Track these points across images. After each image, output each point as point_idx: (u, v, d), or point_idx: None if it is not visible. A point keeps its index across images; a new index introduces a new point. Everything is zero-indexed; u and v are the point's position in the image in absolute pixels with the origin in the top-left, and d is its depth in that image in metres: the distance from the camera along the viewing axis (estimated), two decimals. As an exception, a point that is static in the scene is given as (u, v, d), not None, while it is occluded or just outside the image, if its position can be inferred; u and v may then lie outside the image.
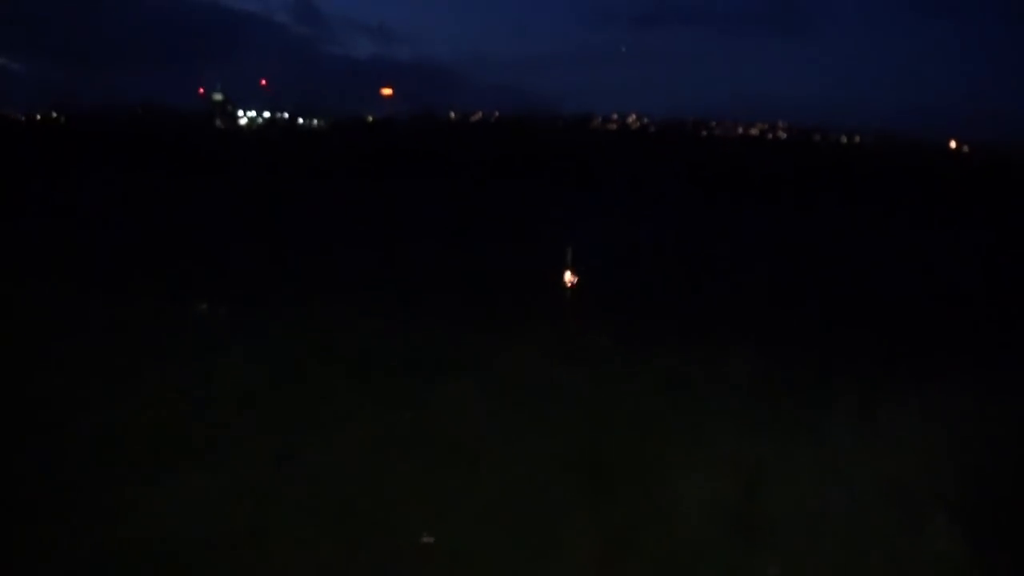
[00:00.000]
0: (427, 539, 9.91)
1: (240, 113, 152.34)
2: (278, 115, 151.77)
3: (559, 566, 9.52)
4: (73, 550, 9.31)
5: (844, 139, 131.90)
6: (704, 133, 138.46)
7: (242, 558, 9.39)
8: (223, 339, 18.31)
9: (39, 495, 10.50)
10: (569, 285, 19.63)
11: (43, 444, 12.04)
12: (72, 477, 11.13)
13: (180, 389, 14.62)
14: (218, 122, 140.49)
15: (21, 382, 14.65)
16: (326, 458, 12.06)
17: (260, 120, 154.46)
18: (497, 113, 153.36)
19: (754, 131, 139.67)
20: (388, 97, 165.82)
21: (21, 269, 25.23)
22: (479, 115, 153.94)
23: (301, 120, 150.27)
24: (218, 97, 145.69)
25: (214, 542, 9.67)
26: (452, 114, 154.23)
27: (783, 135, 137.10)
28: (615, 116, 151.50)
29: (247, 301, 21.78)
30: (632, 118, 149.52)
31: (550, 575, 9.59)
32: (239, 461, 11.72)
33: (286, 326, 19.40)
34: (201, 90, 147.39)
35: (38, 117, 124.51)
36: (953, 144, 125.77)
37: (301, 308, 21.23)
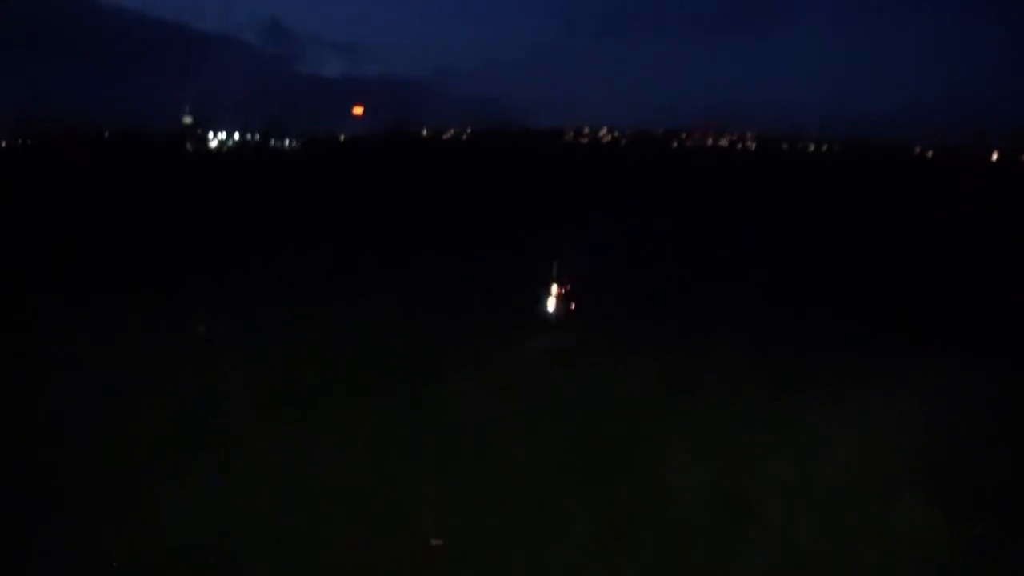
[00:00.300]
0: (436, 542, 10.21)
1: (210, 135, 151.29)
2: (248, 137, 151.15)
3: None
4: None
5: (812, 147, 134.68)
6: (674, 144, 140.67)
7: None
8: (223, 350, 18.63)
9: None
10: (558, 296, 20.07)
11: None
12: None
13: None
14: (188, 145, 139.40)
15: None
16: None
17: (231, 142, 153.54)
18: (469, 129, 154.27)
19: (723, 142, 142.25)
20: (359, 115, 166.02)
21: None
22: (451, 132, 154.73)
23: (272, 141, 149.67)
24: (188, 120, 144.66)
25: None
26: (424, 131, 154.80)
27: (752, 145, 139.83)
28: (586, 130, 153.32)
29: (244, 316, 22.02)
30: (603, 131, 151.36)
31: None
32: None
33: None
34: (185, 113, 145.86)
35: (3, 144, 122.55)
36: (917, 150, 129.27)
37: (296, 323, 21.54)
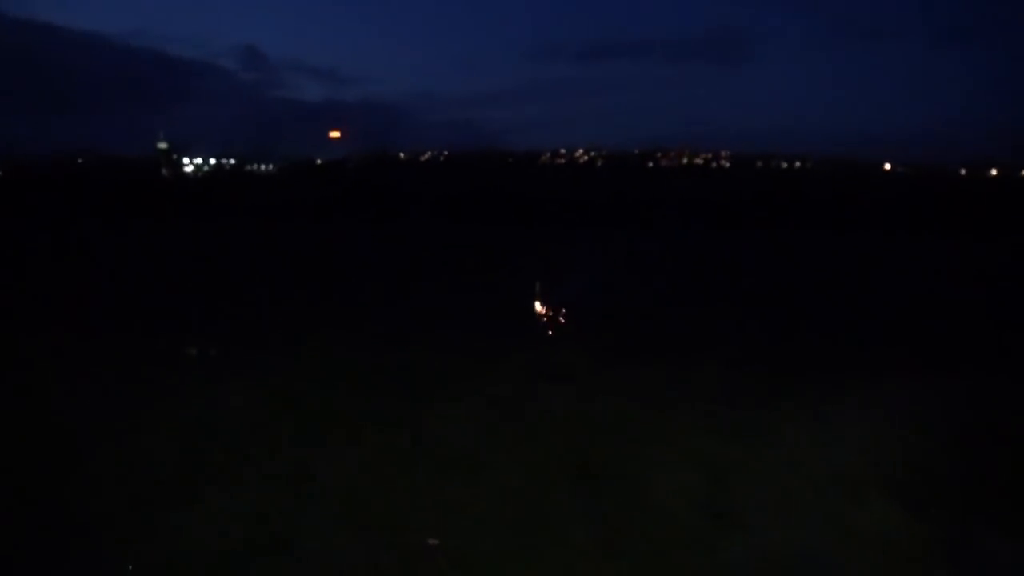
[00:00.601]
0: (432, 542, 10.43)
1: (186, 160, 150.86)
2: (224, 161, 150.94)
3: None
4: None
5: (785, 164, 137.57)
6: (650, 164, 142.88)
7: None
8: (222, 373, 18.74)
9: None
10: (543, 315, 20.41)
11: None
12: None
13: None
14: (164, 171, 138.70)
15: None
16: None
17: (207, 167, 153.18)
18: (447, 152, 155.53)
19: (699, 160, 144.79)
20: (337, 139, 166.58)
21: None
22: (428, 154, 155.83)
23: (249, 166, 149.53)
24: (163, 145, 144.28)
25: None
26: (402, 154, 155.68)
27: (726, 164, 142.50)
28: (563, 151, 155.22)
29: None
30: (580, 152, 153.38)
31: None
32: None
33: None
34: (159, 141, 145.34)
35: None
36: (888, 166, 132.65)
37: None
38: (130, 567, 9.71)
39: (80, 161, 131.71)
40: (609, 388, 17.88)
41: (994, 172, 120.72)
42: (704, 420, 15.40)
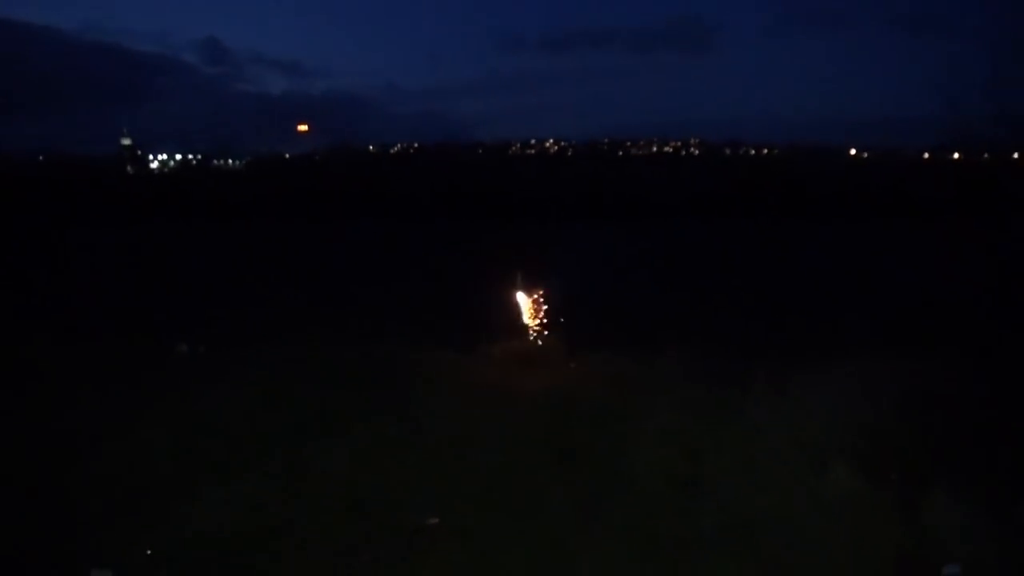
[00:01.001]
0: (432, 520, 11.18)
1: (151, 157, 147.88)
2: (191, 157, 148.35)
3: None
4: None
5: (752, 151, 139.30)
6: (620, 153, 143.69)
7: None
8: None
9: None
10: (528, 308, 20.98)
11: None
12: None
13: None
14: (129, 168, 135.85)
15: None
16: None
17: (172, 163, 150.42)
18: (416, 144, 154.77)
19: (668, 149, 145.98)
20: (305, 133, 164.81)
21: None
22: (398, 147, 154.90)
23: (216, 161, 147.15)
24: (126, 142, 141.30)
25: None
26: (371, 146, 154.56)
27: (696, 151, 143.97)
28: (533, 141, 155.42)
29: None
30: (550, 142, 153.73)
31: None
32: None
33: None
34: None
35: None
36: (853, 151, 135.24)
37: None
38: (148, 551, 10.25)
39: (41, 159, 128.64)
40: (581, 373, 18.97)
41: (956, 156, 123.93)
42: (675, 400, 16.41)
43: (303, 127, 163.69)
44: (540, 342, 20.96)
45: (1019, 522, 10.88)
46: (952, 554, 10.01)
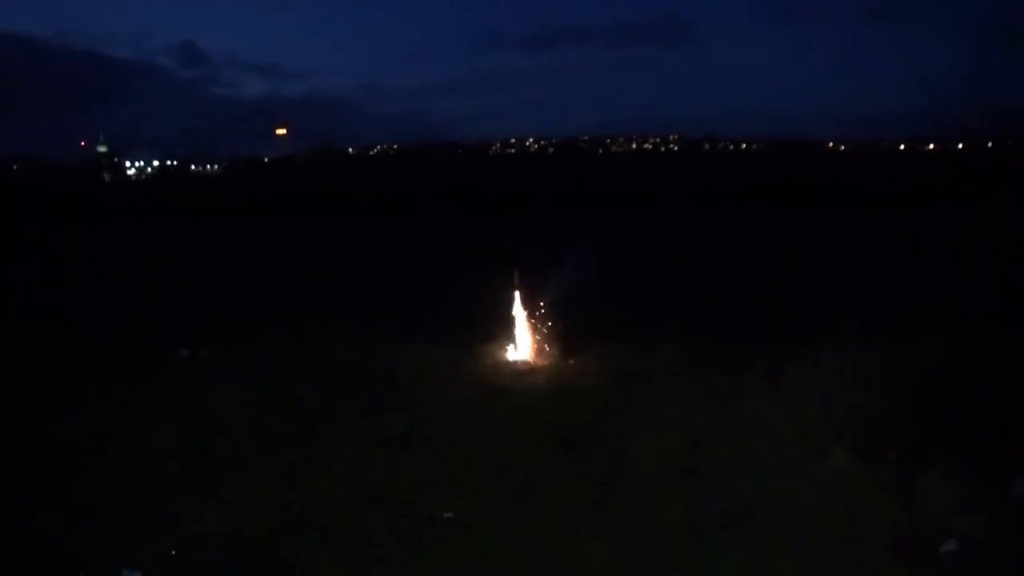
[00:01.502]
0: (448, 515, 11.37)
1: (128, 164, 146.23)
2: (168, 163, 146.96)
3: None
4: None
5: (731, 147, 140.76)
6: (600, 151, 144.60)
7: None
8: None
9: None
10: (523, 303, 21.06)
11: None
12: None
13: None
14: (106, 174, 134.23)
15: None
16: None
17: (150, 169, 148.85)
18: (396, 145, 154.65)
19: (647, 145, 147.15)
20: (283, 136, 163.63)
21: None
22: (378, 148, 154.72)
23: (194, 166, 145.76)
24: (103, 149, 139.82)
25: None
26: (351, 148, 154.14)
27: (675, 148, 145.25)
28: (513, 140, 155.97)
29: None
30: (530, 141, 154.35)
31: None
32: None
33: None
34: (83, 142, 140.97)
35: None
36: (831, 144, 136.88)
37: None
38: (173, 552, 10.29)
39: (15, 168, 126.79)
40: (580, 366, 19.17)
41: (931, 146, 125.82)
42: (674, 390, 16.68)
43: (281, 130, 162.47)
44: (538, 337, 21.11)
45: (1012, 497, 11.19)
46: (951, 531, 10.24)
